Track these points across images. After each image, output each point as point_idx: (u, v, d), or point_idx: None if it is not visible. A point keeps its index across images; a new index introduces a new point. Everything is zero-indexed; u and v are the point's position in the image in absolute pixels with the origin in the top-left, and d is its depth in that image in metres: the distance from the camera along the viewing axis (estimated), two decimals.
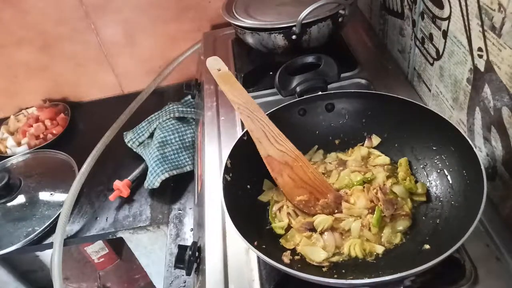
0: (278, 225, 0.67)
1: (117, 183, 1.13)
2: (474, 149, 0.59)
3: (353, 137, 0.78)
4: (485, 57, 0.62)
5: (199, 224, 0.79)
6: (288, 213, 0.68)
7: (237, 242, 0.70)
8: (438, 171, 0.67)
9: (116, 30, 1.43)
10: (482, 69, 0.63)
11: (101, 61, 1.49)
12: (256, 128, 0.70)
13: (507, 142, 0.61)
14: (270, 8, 1.07)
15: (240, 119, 0.75)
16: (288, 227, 0.67)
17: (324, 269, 0.60)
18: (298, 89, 0.81)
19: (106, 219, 1.10)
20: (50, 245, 1.02)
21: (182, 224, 1.08)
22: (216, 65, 0.80)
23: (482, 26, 0.61)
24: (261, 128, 0.70)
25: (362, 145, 0.77)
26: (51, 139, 1.37)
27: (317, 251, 0.62)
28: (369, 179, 0.70)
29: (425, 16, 0.82)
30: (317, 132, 0.78)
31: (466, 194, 0.60)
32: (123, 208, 1.12)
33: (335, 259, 0.61)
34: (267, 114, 0.74)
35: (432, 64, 0.83)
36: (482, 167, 0.57)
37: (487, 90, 0.63)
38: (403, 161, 0.71)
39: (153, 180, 1.11)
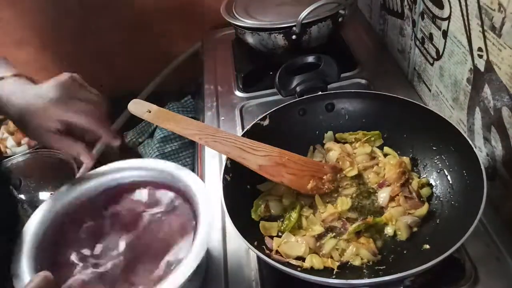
0: (253, 210, 0.68)
1: None
2: (474, 149, 0.60)
3: None
4: (485, 57, 0.62)
5: None
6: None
7: (237, 242, 0.70)
8: (438, 171, 0.67)
9: (116, 30, 1.43)
10: (482, 69, 0.63)
11: (101, 61, 1.49)
12: (230, 148, 0.66)
13: (507, 142, 0.61)
14: (270, 8, 1.07)
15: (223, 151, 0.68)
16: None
17: (322, 269, 0.60)
18: (298, 89, 0.81)
19: None
20: None
21: None
22: (143, 108, 0.68)
23: (482, 26, 0.61)
24: (233, 145, 0.66)
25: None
26: None
27: (297, 246, 0.62)
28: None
29: (425, 16, 0.82)
30: (317, 132, 0.78)
31: (466, 194, 0.60)
32: None
33: (336, 259, 0.61)
34: (267, 114, 0.74)
35: (432, 64, 0.83)
36: (482, 167, 0.57)
37: (487, 90, 0.63)
38: (405, 160, 0.72)
39: None
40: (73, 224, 0.63)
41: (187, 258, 0.53)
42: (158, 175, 0.66)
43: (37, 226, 0.60)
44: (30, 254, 0.56)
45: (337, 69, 0.83)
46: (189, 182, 0.63)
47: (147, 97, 1.39)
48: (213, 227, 0.73)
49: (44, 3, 1.33)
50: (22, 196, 1.16)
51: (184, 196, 0.64)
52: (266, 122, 0.74)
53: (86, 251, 0.59)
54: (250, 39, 1.05)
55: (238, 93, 1.05)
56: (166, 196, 0.65)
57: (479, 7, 0.60)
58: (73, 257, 0.58)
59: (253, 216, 0.67)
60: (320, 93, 0.79)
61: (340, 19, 1.01)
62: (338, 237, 0.63)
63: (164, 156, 1.17)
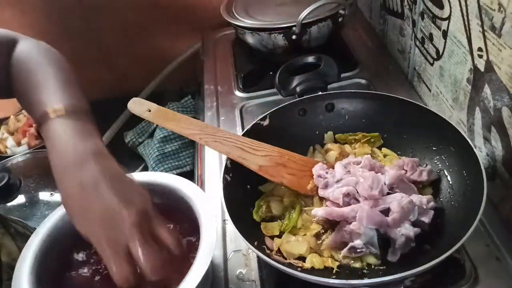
0: (255, 211, 0.67)
1: None
2: (474, 149, 0.60)
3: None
4: (485, 57, 0.62)
5: None
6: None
7: (237, 242, 0.70)
8: (438, 171, 0.67)
9: (116, 30, 1.43)
10: (482, 69, 0.63)
11: (101, 61, 1.49)
12: (230, 148, 0.66)
13: (507, 142, 0.61)
14: (270, 8, 1.07)
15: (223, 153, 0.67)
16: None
17: (323, 269, 0.60)
18: (298, 89, 0.81)
19: None
20: None
21: None
22: (143, 107, 0.67)
23: (482, 26, 0.61)
24: (233, 145, 0.66)
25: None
26: None
27: (298, 245, 0.62)
28: None
29: (425, 16, 0.82)
30: (317, 132, 0.78)
31: (466, 194, 0.60)
32: None
33: (336, 258, 0.61)
34: (267, 114, 0.74)
35: (432, 64, 0.83)
36: (482, 167, 0.57)
37: (487, 90, 0.63)
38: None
39: None
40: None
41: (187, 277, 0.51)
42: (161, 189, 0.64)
43: (39, 242, 0.58)
44: (31, 270, 0.55)
45: (337, 69, 0.83)
46: (191, 196, 0.61)
47: (147, 97, 1.39)
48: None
49: (44, 3, 1.33)
50: (22, 196, 1.16)
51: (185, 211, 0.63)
52: (266, 122, 0.74)
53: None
54: (250, 39, 1.05)
55: (238, 93, 1.05)
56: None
57: (479, 7, 0.60)
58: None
59: (254, 217, 0.67)
60: (320, 93, 0.79)
61: (340, 19, 1.01)
62: None
63: (164, 156, 1.18)
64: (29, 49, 0.64)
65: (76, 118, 0.53)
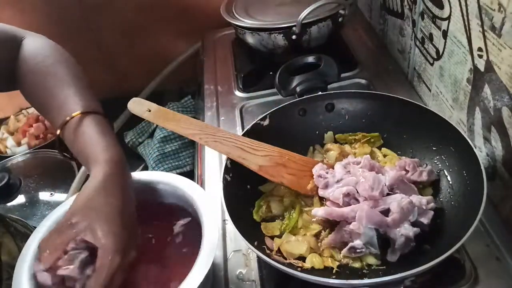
0: (255, 211, 0.67)
1: None
2: (474, 149, 0.60)
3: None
4: (485, 57, 0.62)
5: None
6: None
7: (237, 242, 0.70)
8: (438, 171, 0.67)
9: (116, 30, 1.43)
10: (482, 69, 0.63)
11: (101, 61, 1.49)
12: (231, 148, 0.66)
13: (507, 142, 0.61)
14: (270, 8, 1.07)
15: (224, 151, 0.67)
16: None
17: (323, 269, 0.60)
18: (298, 89, 0.81)
19: None
20: None
21: None
22: (143, 107, 0.67)
23: (482, 26, 0.61)
24: (234, 145, 0.66)
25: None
26: (51, 139, 1.37)
27: (298, 245, 0.62)
28: None
29: (425, 16, 0.82)
30: (317, 132, 0.78)
31: (466, 194, 0.60)
32: None
33: (336, 258, 0.61)
34: (267, 114, 0.74)
35: (432, 64, 0.83)
36: (482, 167, 0.57)
37: (487, 90, 0.63)
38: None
39: None
40: None
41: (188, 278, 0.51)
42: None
43: (39, 242, 0.58)
44: (31, 269, 0.54)
45: (337, 69, 0.83)
46: (193, 196, 0.61)
47: (147, 97, 1.39)
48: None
49: (44, 3, 1.33)
50: (22, 196, 1.16)
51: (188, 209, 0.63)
52: (266, 122, 0.74)
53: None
54: (250, 39, 1.05)
55: (238, 93, 1.05)
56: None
57: (479, 7, 0.60)
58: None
59: (255, 217, 0.67)
60: (320, 93, 0.79)
61: (340, 19, 1.01)
62: None
63: (164, 156, 1.18)
64: (39, 47, 0.65)
65: (96, 119, 0.59)
